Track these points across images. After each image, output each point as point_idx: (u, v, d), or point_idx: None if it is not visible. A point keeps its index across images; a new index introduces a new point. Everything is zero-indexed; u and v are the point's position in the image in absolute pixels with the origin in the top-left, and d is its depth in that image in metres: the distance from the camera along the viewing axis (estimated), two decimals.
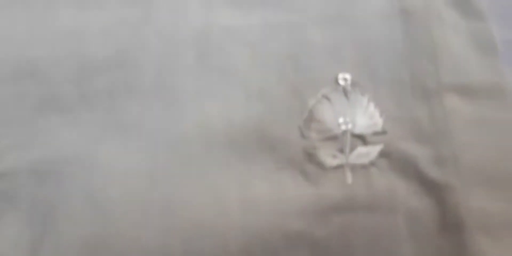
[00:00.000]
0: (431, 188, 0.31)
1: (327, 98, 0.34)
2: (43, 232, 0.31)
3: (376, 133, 0.33)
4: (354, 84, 0.34)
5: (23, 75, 0.34)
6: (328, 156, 0.32)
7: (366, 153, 0.32)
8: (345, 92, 0.34)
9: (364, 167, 0.32)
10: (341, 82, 0.34)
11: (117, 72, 0.35)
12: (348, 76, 0.34)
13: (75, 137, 0.33)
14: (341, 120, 0.33)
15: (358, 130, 0.33)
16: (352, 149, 0.32)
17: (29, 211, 0.31)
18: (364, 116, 0.33)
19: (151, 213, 0.31)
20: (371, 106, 0.34)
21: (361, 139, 0.33)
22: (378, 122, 0.33)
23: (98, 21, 0.36)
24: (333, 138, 0.33)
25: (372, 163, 0.32)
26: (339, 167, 0.32)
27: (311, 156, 0.32)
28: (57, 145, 0.33)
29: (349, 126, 0.33)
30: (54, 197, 0.32)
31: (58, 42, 0.35)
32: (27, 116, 0.34)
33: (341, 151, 0.32)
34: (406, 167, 0.32)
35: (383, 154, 0.32)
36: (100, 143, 0.33)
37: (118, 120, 0.34)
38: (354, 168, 0.32)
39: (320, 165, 0.32)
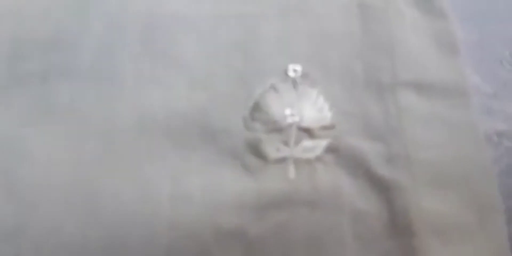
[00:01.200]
0: (380, 187, 0.29)
1: (274, 88, 0.32)
2: None
3: (324, 127, 0.31)
4: (304, 76, 0.32)
5: None
6: (272, 149, 0.30)
7: (312, 147, 0.30)
8: (294, 83, 0.32)
9: (309, 161, 0.30)
10: (291, 74, 0.32)
11: (53, 55, 0.33)
12: (298, 67, 0.32)
13: (2, 119, 0.31)
14: (287, 111, 0.31)
15: (305, 123, 0.31)
16: (298, 142, 0.30)
17: None
18: (313, 109, 0.31)
19: (74, 203, 0.29)
20: (321, 99, 0.32)
21: (308, 132, 0.31)
22: (326, 115, 0.31)
23: (39, 2, 0.34)
24: (278, 130, 0.31)
25: (318, 158, 0.30)
26: (283, 160, 0.30)
27: (253, 148, 0.30)
28: None
29: (296, 118, 0.31)
30: None
31: None
32: None
33: (286, 144, 0.30)
34: (354, 164, 0.30)
35: (330, 149, 0.30)
36: (27, 126, 0.31)
37: (49, 104, 0.31)
38: (298, 162, 0.30)
39: (262, 158, 0.30)
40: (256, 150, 0.30)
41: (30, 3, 0.34)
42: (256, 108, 0.31)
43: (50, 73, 0.32)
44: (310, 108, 0.31)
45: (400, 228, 0.28)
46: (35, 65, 0.32)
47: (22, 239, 0.28)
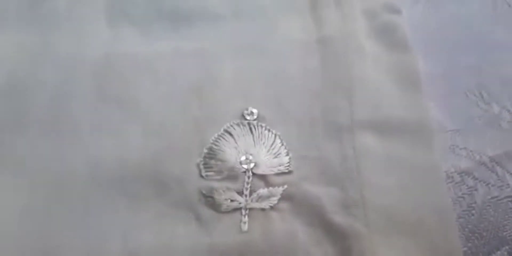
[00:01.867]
0: (336, 235, 0.29)
1: (230, 133, 0.31)
2: None
3: (280, 173, 0.30)
4: (261, 119, 0.32)
5: None
6: (226, 199, 0.29)
7: (267, 195, 0.29)
8: (250, 127, 0.31)
9: (264, 211, 0.29)
10: (247, 117, 0.32)
11: (6, 103, 0.32)
12: (254, 110, 0.32)
13: None
14: (243, 158, 0.30)
15: (261, 170, 0.30)
16: (253, 191, 0.30)
17: None
18: (269, 154, 0.31)
19: None
20: (278, 143, 0.31)
21: (264, 179, 0.30)
22: (283, 161, 0.31)
23: None
24: (233, 178, 0.30)
25: (273, 207, 0.29)
26: (237, 211, 0.29)
27: (207, 199, 0.29)
28: None
29: (251, 165, 0.30)
30: None
31: None
32: None
33: (240, 193, 0.30)
34: (309, 212, 0.29)
35: (285, 197, 0.30)
36: None
37: (0, 155, 0.30)
38: (252, 212, 0.29)
39: (215, 209, 0.29)
40: (209, 200, 0.29)
41: None
42: (211, 155, 0.30)
43: (2, 124, 0.31)
44: (267, 153, 0.31)
45: None
46: None
47: None
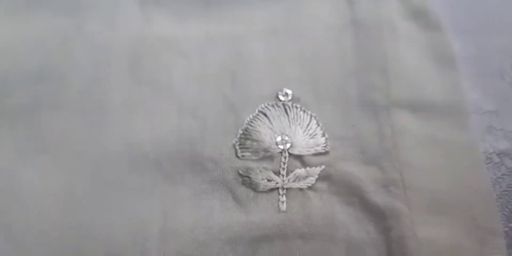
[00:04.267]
0: (375, 215, 0.28)
1: (265, 114, 0.31)
2: None
3: (317, 154, 0.30)
4: (295, 100, 0.31)
5: None
6: (263, 179, 0.29)
7: (305, 175, 0.29)
8: (285, 108, 0.31)
9: (301, 191, 0.29)
10: (282, 98, 0.31)
11: (42, 86, 0.32)
12: (289, 91, 0.32)
13: None
14: (278, 139, 0.30)
15: (297, 150, 0.30)
16: (290, 171, 0.29)
17: None
18: (305, 135, 0.30)
19: (62, 241, 0.28)
20: (314, 124, 0.31)
21: (300, 160, 0.30)
22: (320, 141, 0.30)
23: (27, 32, 0.34)
24: (269, 158, 0.30)
25: (311, 187, 0.29)
26: (274, 190, 0.29)
27: (244, 178, 0.29)
28: None
29: (288, 145, 0.30)
30: None
31: None
32: None
33: (277, 173, 0.29)
34: (348, 191, 0.29)
35: (323, 177, 0.29)
36: (19, 163, 0.30)
37: (40, 138, 0.31)
38: (290, 192, 0.29)
39: (253, 188, 0.29)
40: (246, 180, 0.29)
41: (16, 32, 0.34)
42: (246, 136, 0.30)
43: (39, 106, 0.32)
44: (303, 134, 0.30)
45: None
46: (23, 98, 0.32)
47: None
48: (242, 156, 0.30)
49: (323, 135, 0.30)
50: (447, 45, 0.33)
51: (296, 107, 0.31)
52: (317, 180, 0.29)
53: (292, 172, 0.29)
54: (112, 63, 0.33)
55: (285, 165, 0.29)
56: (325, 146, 0.30)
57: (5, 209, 0.29)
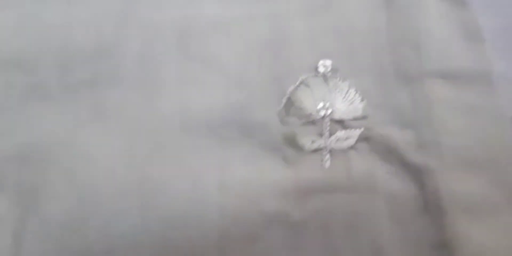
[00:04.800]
0: (412, 171, 0.31)
1: (306, 84, 0.34)
2: (27, 212, 0.31)
3: (356, 118, 0.33)
4: (334, 70, 0.34)
5: (10, 65, 0.35)
6: (307, 141, 0.32)
7: (345, 137, 0.32)
8: (324, 78, 0.34)
9: (343, 151, 0.32)
10: (321, 69, 0.34)
11: (100, 63, 0.35)
12: (328, 62, 0.34)
13: (59, 124, 0.34)
14: (320, 105, 0.33)
15: (337, 115, 0.33)
16: (331, 133, 0.32)
17: (15, 193, 0.32)
18: (344, 101, 0.33)
19: (129, 195, 0.31)
20: (352, 92, 0.33)
21: (341, 124, 0.33)
22: (358, 107, 0.33)
23: (83, 15, 0.37)
24: (312, 123, 0.33)
25: (352, 147, 0.32)
26: (318, 151, 0.32)
27: (290, 141, 0.32)
28: (41, 132, 0.34)
29: (328, 111, 0.33)
30: (38, 180, 0.32)
31: (45, 34, 0.36)
32: (13, 104, 0.34)
33: (320, 135, 0.32)
34: (386, 151, 0.32)
35: (363, 138, 0.32)
36: (82, 130, 0.34)
37: (100, 109, 0.34)
38: (333, 152, 0.32)
39: (299, 149, 0.32)
40: (292, 142, 0.32)
41: (74, 15, 0.37)
42: (290, 104, 0.33)
43: (98, 80, 0.35)
44: (342, 101, 0.33)
45: (432, 209, 0.30)
46: (85, 73, 0.35)
47: (88, 230, 0.31)
48: (287, 122, 0.33)
49: (361, 101, 0.33)
50: (475, 19, 0.36)
51: (335, 77, 0.34)
52: (357, 141, 0.32)
53: (334, 134, 0.32)
54: (162, 41, 0.36)
55: (327, 129, 0.32)
56: (363, 112, 0.33)
57: (75, 170, 0.32)
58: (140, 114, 0.34)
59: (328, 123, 0.32)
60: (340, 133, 0.32)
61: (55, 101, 0.35)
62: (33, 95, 0.35)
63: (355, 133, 0.32)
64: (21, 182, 0.32)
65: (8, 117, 0.34)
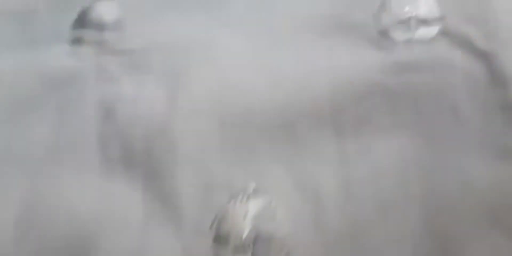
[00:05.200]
0: (482, 56, 0.40)
1: None
2: (176, 89, 0.40)
3: (435, 19, 0.42)
4: None
5: None
6: (398, 34, 0.41)
7: (428, 32, 0.41)
8: None
9: (427, 41, 0.41)
10: None
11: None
12: None
13: (195, 28, 0.43)
14: (407, 8, 0.42)
15: (421, 15, 0.42)
16: (417, 28, 0.41)
17: (160, 77, 0.41)
18: (425, 6, 0.42)
19: (258, 77, 0.40)
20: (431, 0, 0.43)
21: (424, 22, 0.42)
22: (437, 10, 0.42)
23: None
24: (401, 22, 0.42)
25: (434, 39, 0.41)
26: (407, 41, 0.41)
27: (383, 34, 0.41)
28: (180, 33, 0.43)
29: (414, 13, 0.42)
30: (181, 65, 0.41)
31: None
32: (156, 13, 0.44)
33: (408, 30, 0.41)
34: (461, 42, 0.41)
35: (442, 33, 0.41)
36: (214, 32, 0.43)
37: (227, 17, 0.44)
38: (419, 42, 0.41)
39: (391, 40, 0.41)
40: (385, 35, 0.41)
41: None
42: (383, 7, 0.42)
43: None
44: (424, 5, 0.42)
45: (499, 82, 0.39)
46: None
47: (228, 116, 0.38)
48: (380, 22, 0.42)
49: (438, 6, 0.42)
50: None
51: None
52: (437, 34, 0.41)
53: (419, 29, 0.41)
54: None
55: (414, 25, 0.41)
56: (441, 14, 0.42)
57: (211, 56, 0.41)
58: (258, 20, 0.43)
59: (414, 22, 0.41)
60: (424, 29, 0.41)
61: (189, 12, 0.44)
62: (170, 6, 0.45)
63: (436, 28, 0.41)
64: (167, 68, 0.41)
65: (151, 24, 0.44)
